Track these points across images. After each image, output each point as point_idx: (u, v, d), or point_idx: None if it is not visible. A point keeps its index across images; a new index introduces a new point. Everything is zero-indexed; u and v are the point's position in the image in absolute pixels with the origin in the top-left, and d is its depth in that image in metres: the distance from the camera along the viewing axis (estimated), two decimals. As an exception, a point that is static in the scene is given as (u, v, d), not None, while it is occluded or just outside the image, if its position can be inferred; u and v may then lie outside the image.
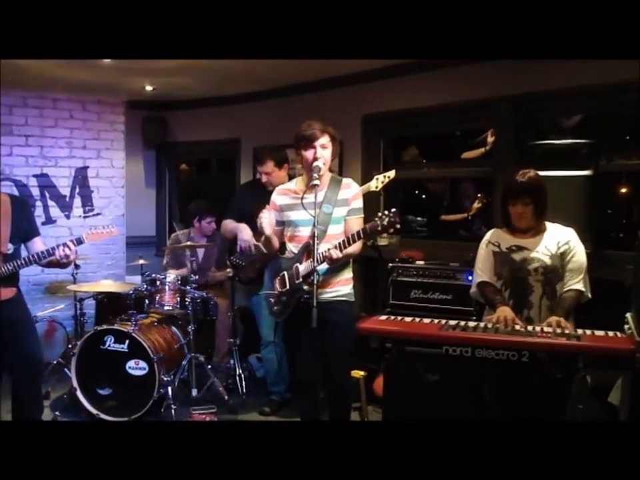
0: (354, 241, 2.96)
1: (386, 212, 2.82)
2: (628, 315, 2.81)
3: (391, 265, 4.23)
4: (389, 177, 3.83)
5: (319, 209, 3.03)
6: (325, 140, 3.09)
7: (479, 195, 5.43)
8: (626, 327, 2.72)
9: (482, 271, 3.18)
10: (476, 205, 5.38)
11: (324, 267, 3.08)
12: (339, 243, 2.96)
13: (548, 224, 3.13)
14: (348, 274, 3.25)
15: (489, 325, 2.76)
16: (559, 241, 3.05)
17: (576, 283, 2.99)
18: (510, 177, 3.15)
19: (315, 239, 2.90)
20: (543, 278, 3.02)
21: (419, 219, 6.15)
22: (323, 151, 3.09)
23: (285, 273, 3.18)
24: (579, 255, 3.03)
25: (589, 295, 3.03)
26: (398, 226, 2.82)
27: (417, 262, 4.26)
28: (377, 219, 2.84)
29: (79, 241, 3.46)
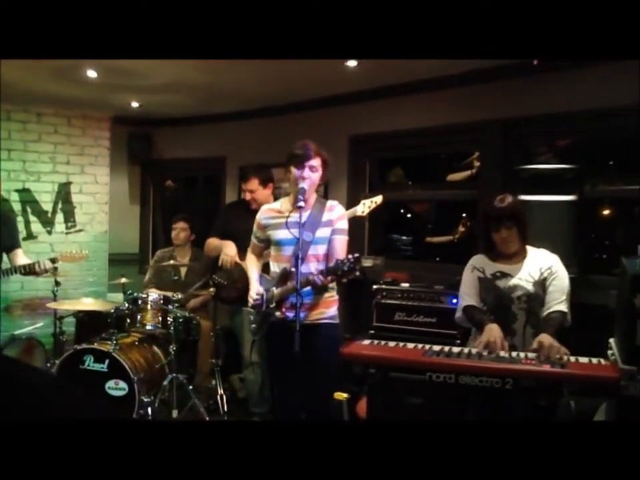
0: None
1: (349, 256, 2.82)
2: (611, 340, 2.80)
3: (375, 286, 4.21)
4: (375, 202, 3.82)
5: (302, 232, 3.02)
6: (316, 162, 3.08)
7: (463, 216, 5.44)
8: (609, 352, 2.71)
9: (468, 295, 3.15)
10: (461, 227, 5.39)
11: (308, 288, 3.06)
12: (322, 271, 2.95)
13: (530, 248, 3.11)
14: (333, 294, 3.23)
15: (476, 348, 2.75)
16: (541, 266, 3.03)
17: (558, 304, 2.95)
18: (488, 203, 3.13)
19: (299, 260, 2.88)
20: (526, 306, 3.00)
21: (404, 237, 6.16)
22: (311, 173, 3.08)
23: (264, 293, 3.17)
24: (561, 279, 3.01)
25: (570, 320, 3.00)
26: (357, 273, 2.84)
27: (402, 284, 4.24)
28: (339, 261, 2.85)
29: (53, 261, 3.79)
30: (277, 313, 3.05)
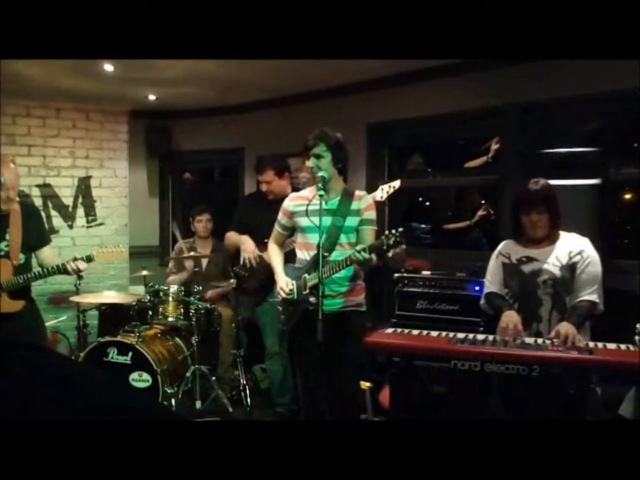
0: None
1: (393, 231, 2.79)
2: (639, 325, 2.76)
3: (396, 275, 4.18)
4: (394, 187, 3.79)
5: (330, 221, 3.04)
6: (319, 150, 3.08)
7: (482, 203, 5.38)
8: (637, 337, 2.67)
9: (491, 282, 3.14)
10: (480, 212, 5.33)
11: (336, 275, 3.05)
12: (364, 248, 2.88)
13: (562, 233, 3.05)
14: (360, 282, 3.24)
15: (497, 336, 2.72)
16: (570, 251, 2.97)
17: (589, 294, 2.90)
18: (521, 187, 3.09)
19: (321, 248, 2.87)
20: (552, 291, 2.96)
21: (423, 226, 6.12)
22: (317, 161, 3.08)
23: (294, 282, 3.16)
24: (593, 265, 2.94)
25: (602, 308, 2.94)
26: (404, 246, 2.80)
27: (423, 272, 4.20)
28: (383, 237, 2.83)
29: (89, 259, 3.46)
30: (312, 299, 3.02)
